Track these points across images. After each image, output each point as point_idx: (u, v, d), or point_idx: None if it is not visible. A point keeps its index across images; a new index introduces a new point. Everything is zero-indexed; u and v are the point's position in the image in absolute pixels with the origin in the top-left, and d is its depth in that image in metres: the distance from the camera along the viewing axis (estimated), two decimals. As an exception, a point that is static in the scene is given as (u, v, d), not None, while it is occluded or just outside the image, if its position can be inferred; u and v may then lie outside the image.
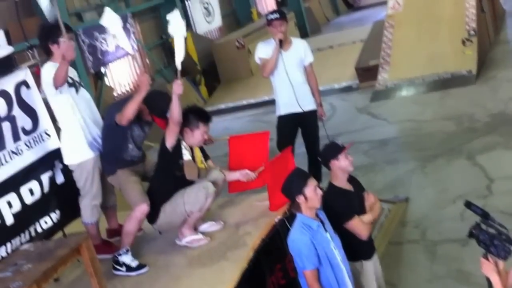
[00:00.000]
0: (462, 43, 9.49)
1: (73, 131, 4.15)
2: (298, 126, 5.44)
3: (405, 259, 5.32)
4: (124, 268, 4.02)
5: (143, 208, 4.03)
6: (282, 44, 5.20)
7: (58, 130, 4.27)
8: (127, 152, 4.13)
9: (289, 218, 4.09)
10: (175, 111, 3.89)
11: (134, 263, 4.02)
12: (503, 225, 3.11)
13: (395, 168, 7.00)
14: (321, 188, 3.56)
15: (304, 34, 15.25)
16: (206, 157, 4.29)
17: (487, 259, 3.05)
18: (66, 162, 4.23)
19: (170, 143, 3.99)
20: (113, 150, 4.13)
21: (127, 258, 4.02)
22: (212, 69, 12.67)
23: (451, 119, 7.90)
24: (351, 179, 3.91)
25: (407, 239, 5.62)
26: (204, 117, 4.10)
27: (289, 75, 5.19)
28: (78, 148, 4.17)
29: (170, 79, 11.30)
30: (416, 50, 9.72)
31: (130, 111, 3.90)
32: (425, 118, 8.20)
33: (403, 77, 9.49)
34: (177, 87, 3.87)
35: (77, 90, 4.18)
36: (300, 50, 5.32)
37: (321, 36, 14.72)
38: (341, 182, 3.82)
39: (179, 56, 3.95)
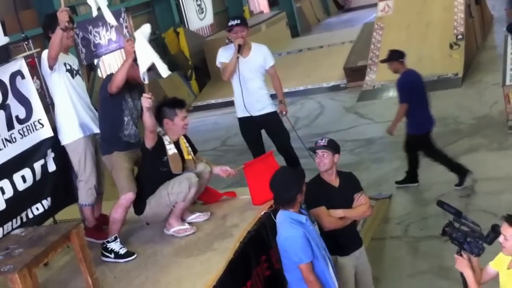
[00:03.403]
0: (449, 47, 9.60)
1: (65, 110, 4.27)
2: (259, 128, 5.55)
3: (387, 254, 5.40)
4: (112, 255, 4.08)
5: (129, 196, 4.12)
6: (241, 50, 5.30)
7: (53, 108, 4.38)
8: (123, 127, 4.17)
9: (275, 211, 4.08)
10: (147, 122, 3.98)
11: (122, 251, 4.08)
12: (476, 223, 3.20)
13: (380, 166, 7.08)
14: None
15: (295, 34, 15.36)
16: (194, 150, 4.37)
17: (461, 255, 3.14)
18: (62, 143, 4.34)
19: (148, 145, 4.09)
20: (110, 127, 4.19)
21: (115, 246, 4.08)
22: (203, 65, 12.75)
23: (436, 121, 7.71)
24: (344, 177, 3.97)
25: (390, 235, 5.71)
26: (178, 103, 4.19)
27: (242, 81, 5.31)
28: (70, 127, 4.29)
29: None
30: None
31: (119, 77, 3.98)
32: None
33: (390, 79, 9.24)
34: (145, 101, 3.92)
35: (73, 76, 4.32)
36: (259, 56, 5.42)
37: (311, 36, 14.81)
38: (326, 177, 3.91)
39: (143, 67, 3.91)
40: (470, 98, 8.60)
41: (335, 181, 3.92)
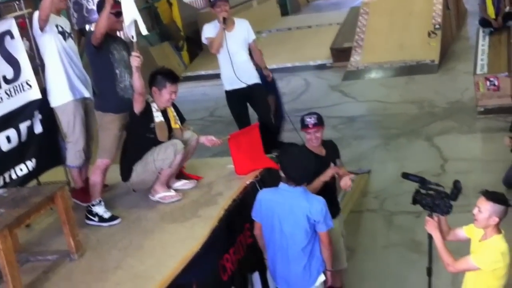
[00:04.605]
0: (428, 35, 9.50)
1: (56, 73, 3.91)
2: (245, 100, 5.40)
3: (364, 226, 5.30)
4: (96, 219, 3.76)
5: (106, 161, 3.85)
6: (226, 23, 5.13)
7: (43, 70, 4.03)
8: (117, 80, 3.84)
9: (260, 181, 3.95)
10: (136, 83, 3.70)
11: (106, 214, 3.77)
12: (439, 184, 3.20)
13: (360, 143, 6.95)
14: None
15: (284, 13, 14.85)
16: (182, 119, 4.08)
17: (432, 218, 3.13)
18: (51, 105, 4.00)
19: (137, 109, 3.80)
20: (104, 82, 3.86)
21: (100, 209, 3.76)
22: (196, 37, 12.16)
23: (413, 103, 7.89)
24: (328, 146, 3.87)
25: (367, 208, 5.60)
26: (171, 77, 3.90)
27: (231, 54, 5.14)
28: (60, 90, 3.93)
29: (154, 42, 10.87)
30: (387, 38, 9.64)
31: (99, 25, 3.67)
32: (391, 100, 8.15)
33: (373, 61, 9.40)
34: (133, 60, 3.64)
35: (65, 39, 3.96)
36: (243, 30, 5.26)
37: (300, 15, 14.42)
38: (313, 147, 3.77)
39: (129, 24, 3.61)
40: (444, 83, 8.51)
41: (321, 151, 3.79)
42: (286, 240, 3.30)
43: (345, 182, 3.70)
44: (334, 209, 3.85)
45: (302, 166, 3.24)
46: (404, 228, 5.06)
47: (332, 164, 3.75)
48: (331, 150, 3.89)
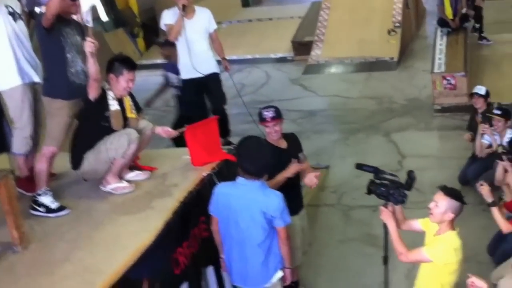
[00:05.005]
0: (388, 32, 9.59)
1: (4, 55, 3.69)
2: (201, 90, 5.35)
3: (321, 220, 5.32)
4: (43, 209, 3.57)
5: (53, 149, 3.67)
6: (186, 11, 5.04)
7: None
8: (68, 64, 3.64)
9: (218, 174, 3.87)
10: (91, 69, 3.57)
11: (54, 205, 3.59)
12: (394, 174, 3.23)
13: (320, 137, 6.98)
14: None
15: (245, 4, 14.70)
16: (138, 109, 3.94)
17: (386, 207, 3.15)
18: None
19: (92, 96, 3.65)
20: (54, 66, 3.65)
21: (46, 199, 3.58)
22: (153, 24, 11.87)
23: (373, 99, 7.97)
24: (289, 138, 3.85)
25: (325, 202, 5.63)
26: (129, 64, 3.78)
27: (189, 43, 5.08)
28: (7, 73, 3.72)
29: (108, 28, 10.53)
30: (348, 33, 9.69)
31: (51, 5, 3.46)
32: (351, 95, 8.21)
33: (334, 56, 9.42)
34: (87, 45, 3.52)
35: (15, 20, 3.75)
36: (204, 19, 5.21)
37: (262, 7, 14.32)
38: (273, 140, 3.75)
39: (86, 6, 3.55)
40: (403, 81, 8.65)
41: (282, 144, 3.76)
42: (243, 236, 3.24)
43: (310, 179, 3.69)
44: (297, 205, 3.85)
45: (258, 158, 3.17)
46: (361, 222, 5.10)
47: (295, 161, 3.70)
48: (293, 143, 3.85)
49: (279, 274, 3.37)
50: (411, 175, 3.14)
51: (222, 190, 3.32)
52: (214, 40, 5.38)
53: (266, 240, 3.25)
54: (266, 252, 3.27)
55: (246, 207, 3.19)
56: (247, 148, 3.25)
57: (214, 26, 5.28)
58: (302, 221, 3.96)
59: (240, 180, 3.23)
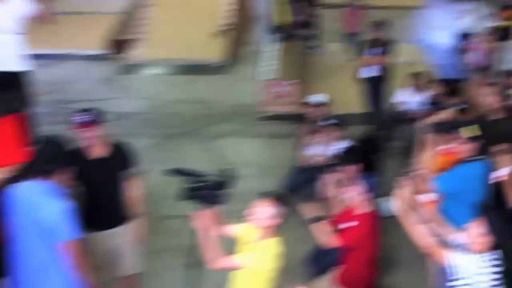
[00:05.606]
0: (215, 35, 9.39)
1: None
2: None
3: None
4: None
5: None
6: None
7: None
8: None
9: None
10: None
11: None
12: (205, 175, 3.17)
13: (133, 142, 6.24)
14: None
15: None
16: None
17: (203, 212, 3.09)
18: None
19: None
20: None
21: None
22: None
23: (195, 103, 7.76)
24: (116, 148, 3.81)
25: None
26: None
27: None
28: None
29: None
30: (171, 33, 9.25)
31: None
32: (170, 98, 7.89)
33: (155, 56, 8.95)
34: None
35: None
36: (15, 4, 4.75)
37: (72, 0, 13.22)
38: (90, 148, 3.69)
39: None
40: (229, 86, 8.54)
41: (99, 151, 3.66)
42: (26, 246, 3.01)
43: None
44: (116, 217, 3.78)
45: (46, 159, 3.09)
46: (171, 232, 4.98)
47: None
48: (119, 153, 3.75)
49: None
50: (223, 175, 3.12)
51: (11, 193, 3.07)
52: None
53: (49, 253, 3.04)
54: (50, 266, 3.07)
55: (26, 213, 3.00)
56: (40, 147, 3.21)
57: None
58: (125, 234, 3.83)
59: (30, 182, 3.08)
